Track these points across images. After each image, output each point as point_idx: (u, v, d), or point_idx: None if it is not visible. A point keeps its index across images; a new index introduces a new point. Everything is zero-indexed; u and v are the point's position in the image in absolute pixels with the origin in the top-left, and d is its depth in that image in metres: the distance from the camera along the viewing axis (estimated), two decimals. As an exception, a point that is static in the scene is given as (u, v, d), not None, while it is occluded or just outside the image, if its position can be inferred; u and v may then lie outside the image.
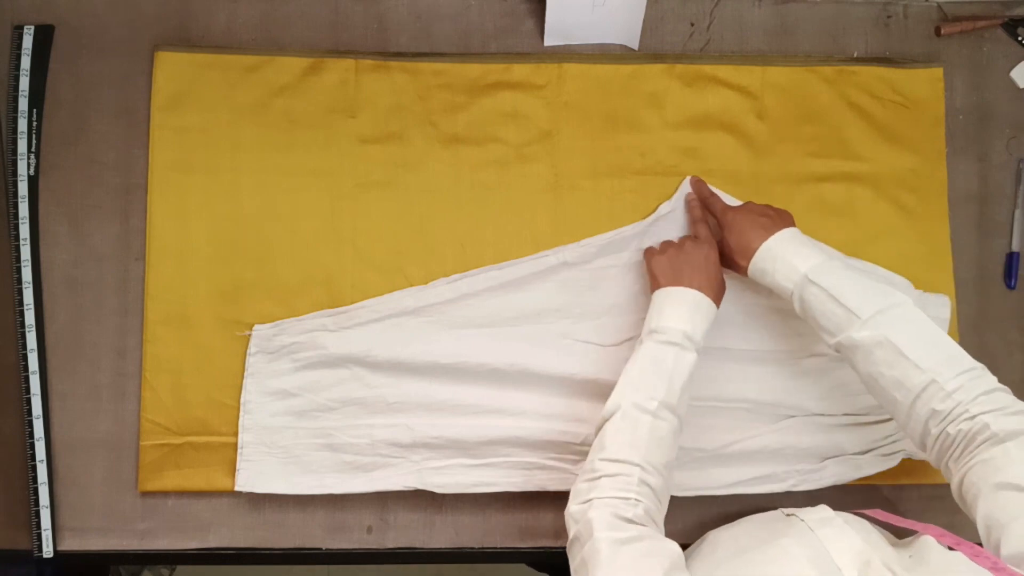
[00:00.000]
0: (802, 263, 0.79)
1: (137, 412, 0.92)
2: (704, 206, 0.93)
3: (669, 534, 0.96)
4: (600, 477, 0.73)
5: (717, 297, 0.85)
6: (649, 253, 0.91)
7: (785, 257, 0.80)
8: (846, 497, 0.95)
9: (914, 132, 0.99)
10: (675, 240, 0.92)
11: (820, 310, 0.77)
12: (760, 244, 0.82)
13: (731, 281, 0.93)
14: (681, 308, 0.81)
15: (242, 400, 0.91)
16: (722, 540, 0.79)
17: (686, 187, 0.96)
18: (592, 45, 0.99)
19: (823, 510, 0.76)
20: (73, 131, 0.94)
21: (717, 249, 0.88)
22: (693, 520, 0.94)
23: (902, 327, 0.74)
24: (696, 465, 0.92)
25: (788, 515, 0.79)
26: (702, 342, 0.81)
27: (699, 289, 0.82)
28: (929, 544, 0.65)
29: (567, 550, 0.73)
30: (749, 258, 0.83)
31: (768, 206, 0.88)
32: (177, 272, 0.93)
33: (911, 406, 0.72)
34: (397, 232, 0.95)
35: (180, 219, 0.93)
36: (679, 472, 0.92)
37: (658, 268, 0.87)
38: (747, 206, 0.88)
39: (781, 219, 0.85)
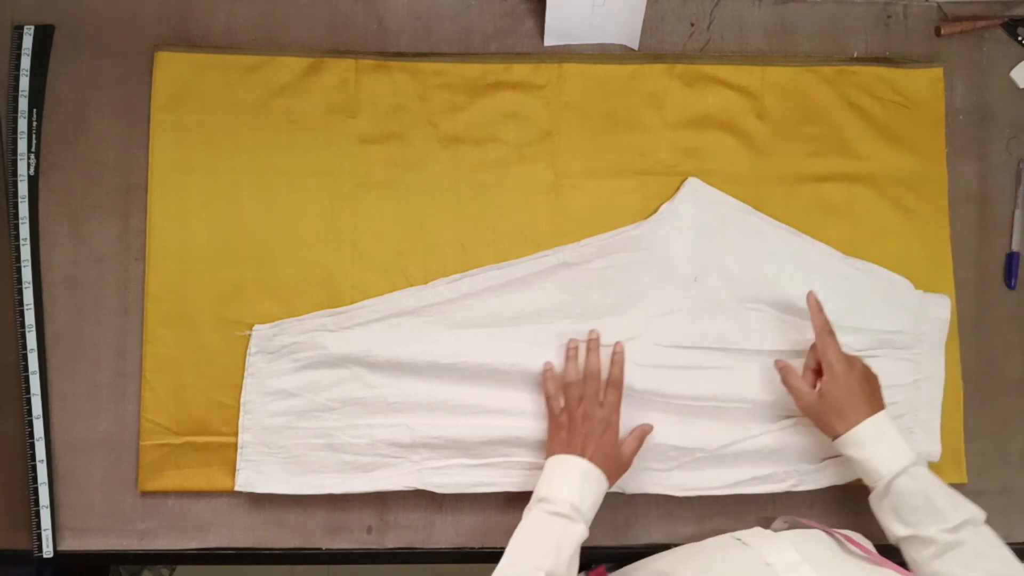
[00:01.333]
0: (903, 457, 0.80)
1: (137, 412, 0.92)
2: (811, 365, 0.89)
3: (669, 534, 0.96)
4: None
5: (612, 470, 0.83)
6: (550, 403, 0.88)
7: (884, 444, 0.81)
8: (846, 497, 0.95)
9: (914, 132, 0.99)
10: (579, 374, 0.88)
11: (909, 503, 0.79)
12: (860, 421, 0.82)
13: (732, 282, 0.94)
14: (571, 478, 0.81)
15: (242, 400, 0.91)
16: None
17: (687, 187, 0.96)
18: (592, 45, 0.99)
19: (767, 533, 0.78)
20: (73, 131, 0.94)
21: (618, 420, 0.86)
22: (693, 520, 0.94)
23: (984, 543, 0.77)
24: (696, 465, 0.92)
25: (737, 539, 0.79)
26: (591, 514, 0.80)
27: (591, 459, 0.82)
28: None
29: None
30: (846, 429, 0.82)
31: (865, 380, 0.85)
32: (177, 272, 0.93)
33: None
34: (397, 232, 0.95)
35: (180, 219, 0.93)
36: (679, 472, 0.92)
37: (553, 436, 0.86)
38: (846, 381, 0.84)
39: (873, 400, 0.84)
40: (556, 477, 0.82)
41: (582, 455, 0.82)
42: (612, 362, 0.89)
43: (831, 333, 0.86)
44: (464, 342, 0.92)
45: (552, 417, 0.88)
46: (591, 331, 0.90)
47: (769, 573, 0.71)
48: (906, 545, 0.80)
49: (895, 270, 0.97)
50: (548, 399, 0.89)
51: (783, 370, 0.89)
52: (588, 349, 0.90)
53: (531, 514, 0.80)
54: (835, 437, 0.84)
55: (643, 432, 0.88)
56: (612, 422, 0.85)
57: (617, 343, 0.90)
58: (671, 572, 0.78)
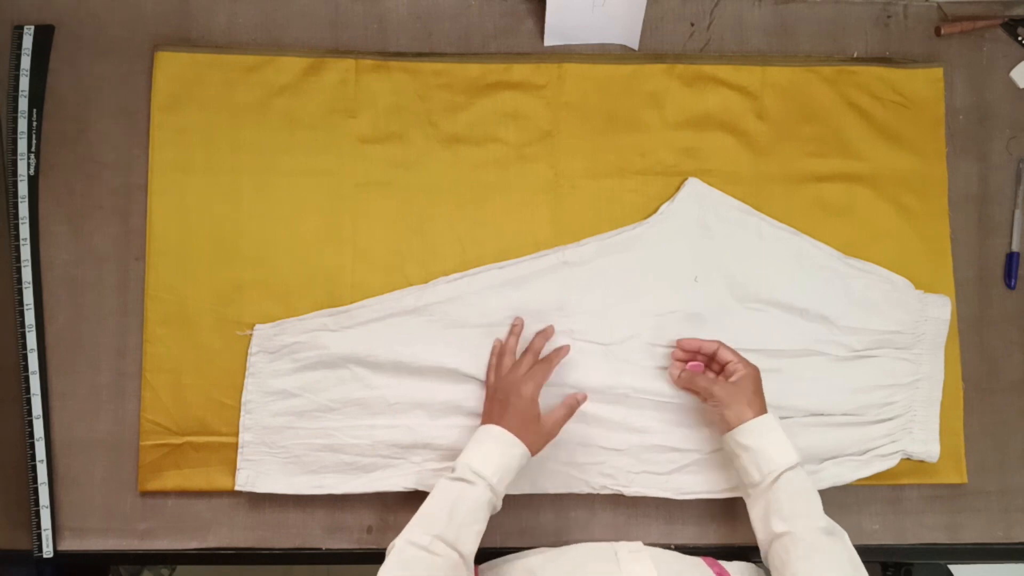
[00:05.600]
0: (794, 454, 0.82)
1: (137, 412, 0.92)
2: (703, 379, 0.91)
3: (669, 534, 0.96)
4: None
5: (531, 439, 0.83)
6: (490, 382, 0.90)
7: (777, 437, 0.84)
8: (846, 497, 0.95)
9: (914, 132, 0.99)
10: (515, 347, 0.90)
11: (793, 498, 0.81)
12: (756, 415, 0.85)
13: (732, 281, 0.94)
14: (480, 445, 0.82)
15: (243, 400, 0.91)
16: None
17: (687, 187, 0.96)
18: (592, 45, 0.99)
19: (636, 546, 0.81)
20: (73, 131, 0.94)
21: (538, 391, 0.86)
22: (692, 521, 0.94)
23: (842, 547, 0.78)
24: (696, 468, 0.92)
25: (613, 551, 0.81)
26: (497, 478, 0.80)
27: (506, 426, 0.83)
28: None
29: None
30: (741, 421, 0.85)
31: (758, 383, 0.88)
32: (177, 272, 0.93)
33: None
34: (397, 232, 0.95)
35: (180, 219, 0.93)
36: (679, 475, 0.92)
37: (484, 406, 0.89)
38: (751, 380, 0.87)
39: (763, 401, 0.87)
40: (469, 445, 0.83)
41: (498, 422, 0.83)
42: (553, 351, 0.90)
43: (725, 344, 0.90)
44: (464, 342, 0.92)
45: (487, 388, 0.90)
46: (548, 326, 0.92)
47: (611, 556, 0.79)
48: (780, 543, 0.79)
49: (895, 270, 0.97)
50: (488, 371, 0.91)
51: (692, 368, 0.91)
52: (537, 333, 0.91)
53: (438, 481, 0.81)
54: (731, 427, 0.85)
55: (574, 401, 0.88)
56: (533, 392, 0.85)
57: (564, 345, 0.91)
58: (539, 569, 0.81)
